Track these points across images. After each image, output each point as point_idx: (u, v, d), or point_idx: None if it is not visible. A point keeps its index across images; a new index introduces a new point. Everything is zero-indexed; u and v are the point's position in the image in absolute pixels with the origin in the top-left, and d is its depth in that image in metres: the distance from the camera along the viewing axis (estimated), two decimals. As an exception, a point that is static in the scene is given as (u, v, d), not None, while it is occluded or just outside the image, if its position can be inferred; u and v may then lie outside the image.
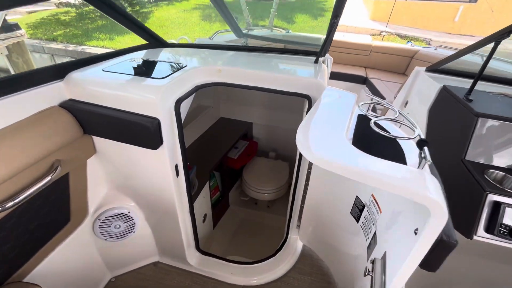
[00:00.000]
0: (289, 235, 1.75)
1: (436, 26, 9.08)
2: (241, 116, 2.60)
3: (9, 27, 3.12)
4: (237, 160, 2.28)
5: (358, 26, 8.88)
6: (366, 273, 0.85)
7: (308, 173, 1.43)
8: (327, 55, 1.52)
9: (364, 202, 1.17)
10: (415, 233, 0.70)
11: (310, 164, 1.39)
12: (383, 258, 0.87)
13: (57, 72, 1.08)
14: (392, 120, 0.97)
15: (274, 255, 1.69)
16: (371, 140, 0.93)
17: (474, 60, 2.41)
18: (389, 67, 4.47)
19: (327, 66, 1.48)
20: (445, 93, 1.59)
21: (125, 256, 1.51)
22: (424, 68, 2.00)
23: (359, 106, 1.11)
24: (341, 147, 0.79)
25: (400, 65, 4.40)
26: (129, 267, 1.56)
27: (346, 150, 0.77)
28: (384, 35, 8.36)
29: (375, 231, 1.06)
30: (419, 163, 0.73)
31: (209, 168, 1.95)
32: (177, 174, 1.24)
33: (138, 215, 1.40)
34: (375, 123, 0.89)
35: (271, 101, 2.41)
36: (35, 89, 0.98)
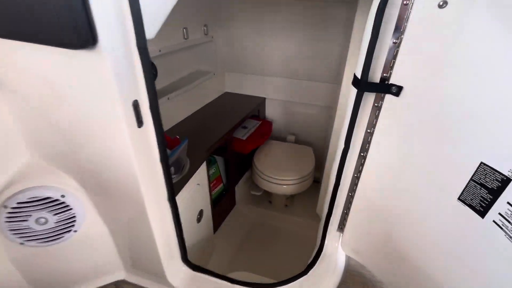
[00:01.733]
0: (325, 243, 1.15)
1: None
2: (251, 89, 2.04)
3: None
4: (246, 142, 1.71)
5: None
6: None
7: (369, 134, 0.84)
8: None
9: (509, 173, 0.57)
10: None
11: (374, 115, 0.81)
12: None
13: None
14: None
15: (304, 273, 1.09)
16: None
17: None
18: None
19: None
20: None
21: (63, 270, 0.94)
22: None
23: None
24: None
25: None
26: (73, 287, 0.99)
27: None
28: None
29: None
30: None
31: (207, 146, 1.39)
32: (139, 122, 0.68)
33: (82, 203, 0.84)
34: None
35: (291, 67, 1.85)
36: None
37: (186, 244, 1.21)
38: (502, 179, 0.58)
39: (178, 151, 1.18)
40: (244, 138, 1.74)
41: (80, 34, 0.50)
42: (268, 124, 1.96)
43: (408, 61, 0.70)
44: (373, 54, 0.71)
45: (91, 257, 0.96)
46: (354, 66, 0.81)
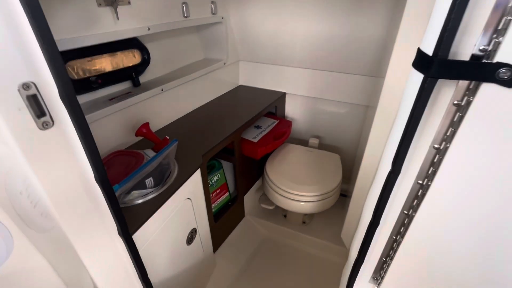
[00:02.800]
0: (351, 295, 0.82)
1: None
2: (269, 82, 1.73)
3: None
4: (257, 146, 1.41)
5: None
6: None
7: (437, 151, 0.50)
8: None
9: None
10: None
11: (453, 120, 0.46)
12: None
13: None
14: None
15: None
16: None
17: None
18: None
19: None
20: None
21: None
22: None
23: None
24: None
25: None
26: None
27: None
28: None
29: None
30: None
31: (205, 150, 1.11)
32: (43, 122, 0.41)
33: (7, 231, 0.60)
34: None
35: (318, 56, 1.51)
36: None
37: (174, 270, 0.95)
38: None
39: (162, 155, 0.92)
40: (255, 140, 1.44)
41: None
42: (287, 124, 1.64)
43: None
44: (462, 11, 0.37)
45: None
46: (405, 54, 0.49)
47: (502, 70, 0.38)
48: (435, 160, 0.52)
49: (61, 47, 0.85)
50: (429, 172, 0.53)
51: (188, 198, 1.02)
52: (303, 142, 1.83)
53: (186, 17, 1.21)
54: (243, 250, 1.51)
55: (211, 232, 1.28)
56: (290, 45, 1.53)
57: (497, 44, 0.38)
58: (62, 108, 0.42)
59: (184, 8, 1.18)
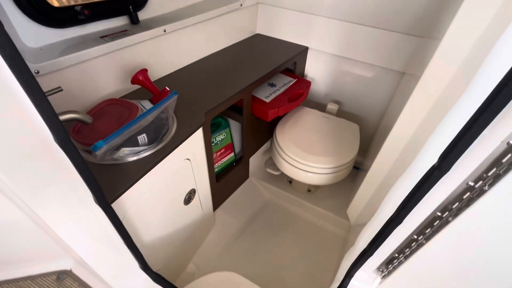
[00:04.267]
0: (350, 282, 0.76)
1: None
2: (291, 33, 1.50)
3: None
4: (269, 107, 1.26)
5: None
6: None
7: (491, 166, 0.36)
8: None
9: None
10: None
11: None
12: None
13: None
14: None
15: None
16: None
17: None
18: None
19: None
20: None
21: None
22: None
23: None
24: None
25: None
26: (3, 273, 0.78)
27: None
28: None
29: None
30: None
31: (212, 106, 0.99)
32: None
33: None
34: None
35: (353, 2, 1.24)
36: None
37: (168, 229, 0.92)
38: None
39: (159, 108, 0.80)
40: (267, 100, 1.29)
41: None
42: (305, 84, 1.45)
43: None
44: None
45: (18, 239, 0.71)
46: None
47: None
48: (503, 160, 0.38)
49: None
50: (490, 173, 0.40)
51: (187, 159, 0.94)
52: (321, 106, 1.66)
53: None
54: (244, 211, 1.49)
55: (212, 191, 1.23)
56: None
57: None
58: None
59: None
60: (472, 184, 0.43)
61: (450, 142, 0.39)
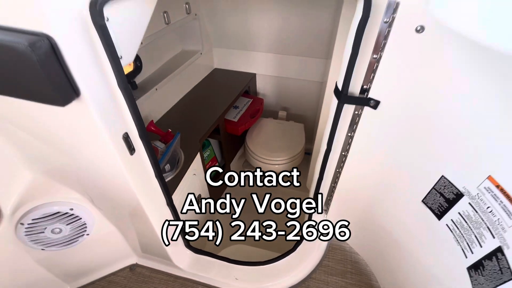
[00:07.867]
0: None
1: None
2: (241, 65, 1.99)
3: None
4: (238, 124, 1.75)
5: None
6: None
7: (349, 137, 0.90)
8: None
9: (462, 189, 0.65)
10: None
11: (355, 122, 0.86)
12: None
13: None
14: None
15: (293, 250, 1.25)
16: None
17: None
18: None
19: None
20: None
21: (84, 263, 1.09)
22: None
23: None
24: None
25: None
26: (95, 274, 1.15)
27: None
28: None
29: (501, 247, 0.56)
30: None
31: (201, 135, 1.43)
32: (131, 150, 0.73)
33: (89, 212, 0.93)
34: None
35: (281, 42, 1.78)
36: None
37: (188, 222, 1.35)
38: (456, 193, 0.67)
39: (172, 146, 1.23)
40: (236, 120, 1.77)
41: (63, 92, 0.52)
42: (259, 102, 1.97)
43: (386, 77, 0.72)
44: (353, 70, 0.72)
45: (106, 250, 1.09)
46: (343, 44, 0.77)
47: (371, 101, 0.76)
48: (349, 142, 0.92)
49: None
50: (347, 148, 0.94)
51: (194, 174, 1.38)
52: (274, 113, 2.19)
53: (167, 23, 1.39)
54: (235, 199, 1.95)
55: (210, 196, 1.67)
56: (256, 34, 1.77)
57: (370, 86, 0.75)
58: (140, 143, 0.73)
59: (165, 16, 1.36)
60: (344, 153, 0.96)
61: (328, 136, 0.91)
